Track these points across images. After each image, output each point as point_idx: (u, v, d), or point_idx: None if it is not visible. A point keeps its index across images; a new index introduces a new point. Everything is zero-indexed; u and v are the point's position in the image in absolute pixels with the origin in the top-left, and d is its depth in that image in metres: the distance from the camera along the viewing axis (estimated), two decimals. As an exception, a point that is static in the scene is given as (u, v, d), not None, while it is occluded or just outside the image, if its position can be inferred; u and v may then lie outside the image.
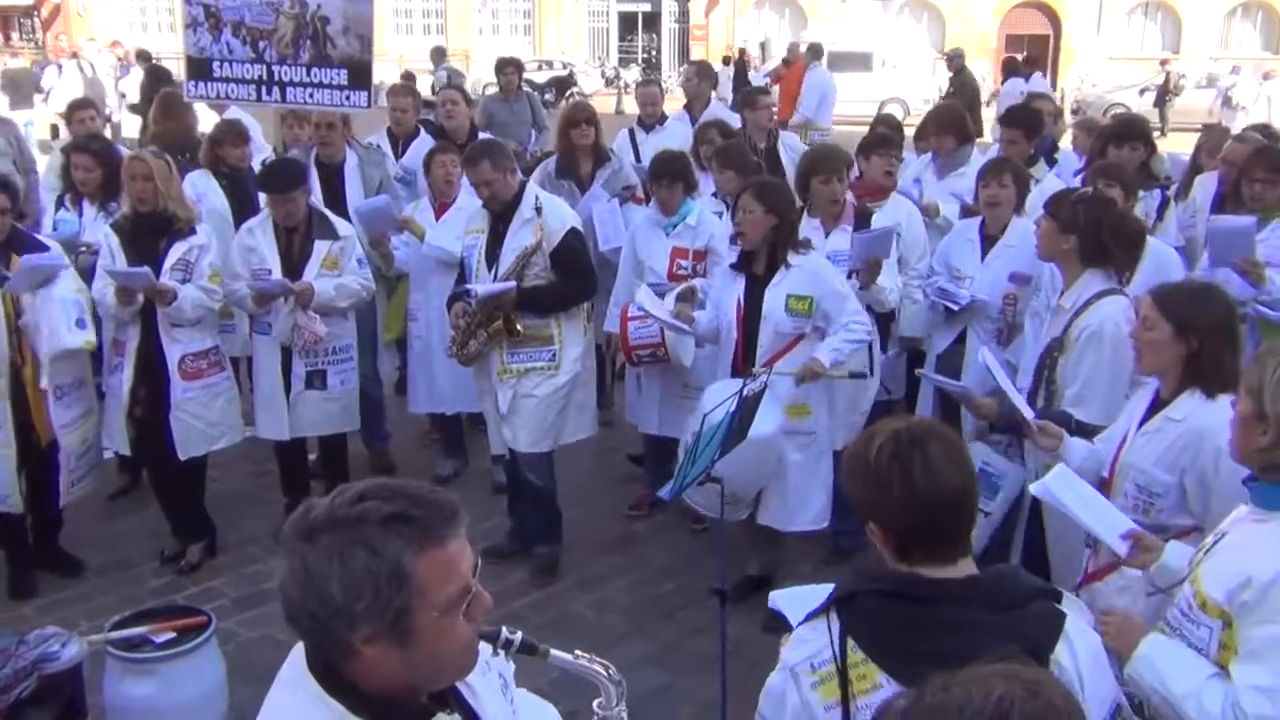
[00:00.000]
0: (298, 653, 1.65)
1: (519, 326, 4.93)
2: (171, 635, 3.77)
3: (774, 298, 4.58)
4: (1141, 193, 5.38)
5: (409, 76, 14.25)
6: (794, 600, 2.45)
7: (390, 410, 6.67)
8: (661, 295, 5.07)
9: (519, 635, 1.83)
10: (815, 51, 14.68)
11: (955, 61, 16.30)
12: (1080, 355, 3.82)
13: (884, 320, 5.35)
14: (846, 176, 5.02)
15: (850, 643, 1.94)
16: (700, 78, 8.83)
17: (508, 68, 9.81)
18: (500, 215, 4.99)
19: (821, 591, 2.51)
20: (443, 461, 6.35)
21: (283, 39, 6.06)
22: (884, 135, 6.37)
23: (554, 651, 1.90)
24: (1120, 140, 5.78)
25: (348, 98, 6.14)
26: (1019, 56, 15.67)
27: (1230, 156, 5.68)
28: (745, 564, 5.02)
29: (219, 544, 5.40)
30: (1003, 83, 15.09)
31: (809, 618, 2.06)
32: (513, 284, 4.88)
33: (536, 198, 4.99)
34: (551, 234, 4.91)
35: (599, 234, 6.11)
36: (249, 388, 5.99)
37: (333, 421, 5.53)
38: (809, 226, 5.19)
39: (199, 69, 6.26)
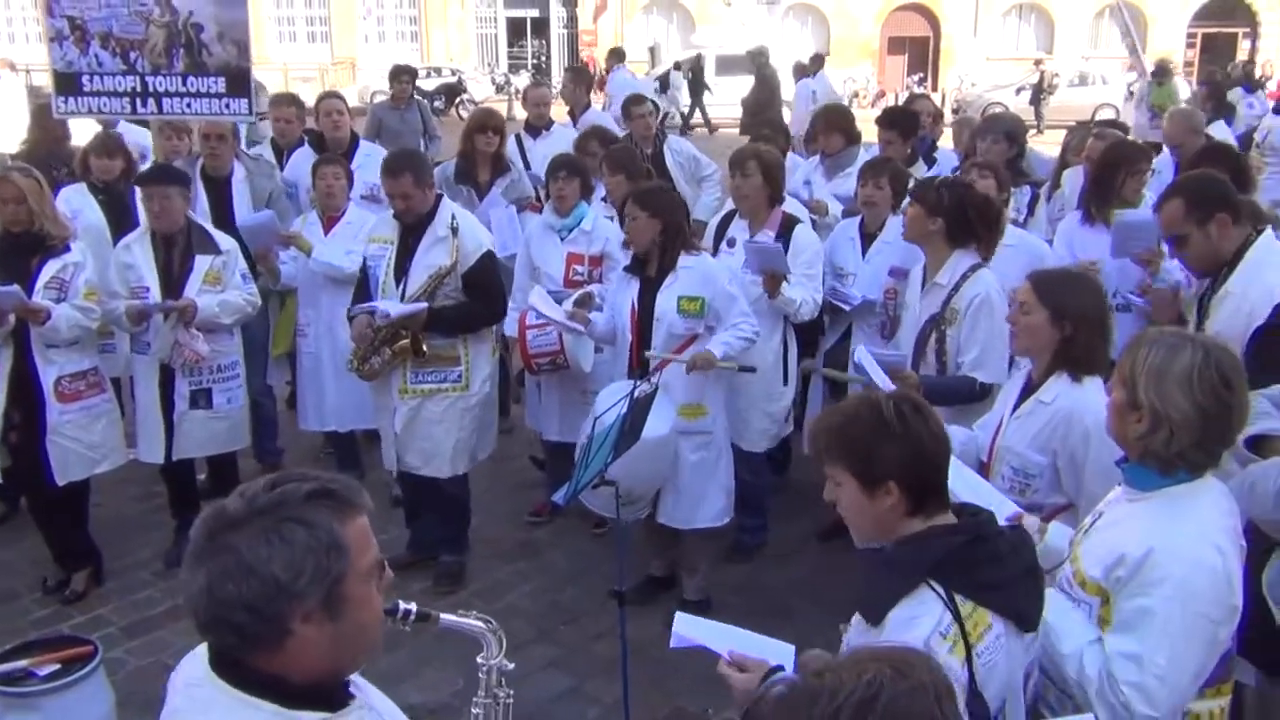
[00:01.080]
0: (187, 679, 1.62)
1: (424, 347, 4.87)
2: (56, 667, 3.61)
3: (666, 299, 4.62)
4: (1013, 189, 5.58)
5: None
6: (700, 629, 2.45)
7: (283, 425, 6.54)
8: (559, 302, 5.07)
9: (414, 606, 2.01)
10: (617, 55, 15.05)
11: (758, 59, 16.66)
12: (974, 323, 4.04)
13: (810, 333, 5.45)
14: (757, 173, 5.08)
15: (958, 597, 2.07)
16: (575, 83, 8.86)
17: (403, 75, 9.72)
18: (411, 228, 4.93)
19: (707, 622, 2.55)
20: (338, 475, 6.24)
21: (154, 49, 5.89)
22: (763, 136, 6.50)
23: (443, 615, 2.10)
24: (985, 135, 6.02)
25: (227, 106, 6.03)
26: (805, 59, 16.34)
27: (1090, 153, 5.93)
28: (647, 565, 5.06)
29: (105, 570, 5.23)
30: (796, 83, 15.80)
31: (890, 601, 2.08)
32: (424, 305, 4.81)
33: (454, 216, 4.89)
34: (466, 255, 4.86)
35: (496, 240, 6.07)
36: (134, 409, 5.81)
37: (219, 440, 5.40)
38: (737, 226, 5.28)
39: (67, 84, 6.05)
